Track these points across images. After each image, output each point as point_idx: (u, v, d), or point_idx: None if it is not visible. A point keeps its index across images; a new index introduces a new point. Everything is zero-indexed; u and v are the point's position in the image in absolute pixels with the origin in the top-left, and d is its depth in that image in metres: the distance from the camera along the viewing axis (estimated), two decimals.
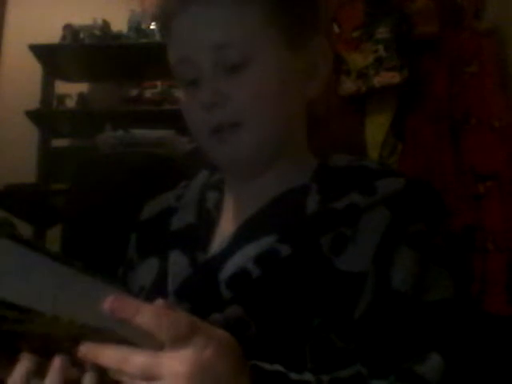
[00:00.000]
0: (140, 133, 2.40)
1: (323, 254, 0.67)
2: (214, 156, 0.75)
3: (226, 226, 0.76)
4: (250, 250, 0.69)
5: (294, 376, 0.58)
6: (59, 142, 3.05)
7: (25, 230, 2.69)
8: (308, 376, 0.59)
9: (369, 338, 0.64)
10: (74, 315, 0.49)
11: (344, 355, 0.64)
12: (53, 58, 2.88)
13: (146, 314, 0.50)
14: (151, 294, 0.76)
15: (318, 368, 0.62)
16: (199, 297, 0.70)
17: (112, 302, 0.49)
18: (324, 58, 0.76)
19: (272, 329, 0.65)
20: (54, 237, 2.73)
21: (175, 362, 0.50)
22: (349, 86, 2.13)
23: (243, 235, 0.72)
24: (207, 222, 0.78)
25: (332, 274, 0.66)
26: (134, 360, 0.50)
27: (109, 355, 0.51)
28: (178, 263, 0.75)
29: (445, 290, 0.66)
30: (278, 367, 0.58)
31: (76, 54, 2.89)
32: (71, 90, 2.99)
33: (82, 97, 2.96)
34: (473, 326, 0.67)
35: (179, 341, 0.50)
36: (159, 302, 0.53)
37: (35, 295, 0.47)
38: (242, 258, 0.69)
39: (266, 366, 0.57)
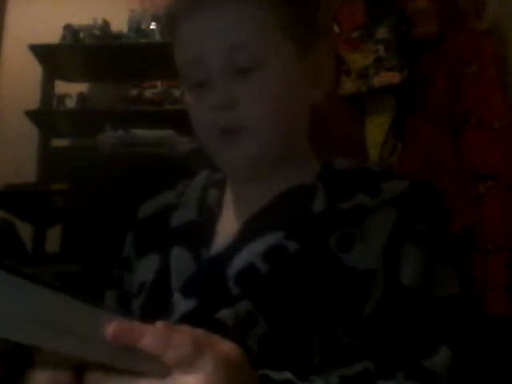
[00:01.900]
0: (140, 133, 2.40)
1: (331, 251, 0.68)
2: (218, 159, 0.76)
3: (228, 223, 0.77)
4: (258, 246, 0.70)
5: None
6: (59, 142, 3.04)
7: (25, 229, 2.69)
8: (317, 382, 0.59)
9: (379, 334, 0.65)
10: (70, 349, 0.45)
11: (350, 351, 0.64)
12: (53, 58, 2.88)
13: (149, 337, 0.47)
14: (153, 290, 0.76)
15: (325, 363, 0.63)
16: (207, 293, 0.70)
17: (114, 329, 0.46)
18: (328, 64, 0.78)
19: (281, 323, 0.65)
20: (54, 237, 2.73)
21: None
22: (349, 86, 2.13)
23: (249, 231, 0.72)
24: (209, 218, 0.78)
25: (340, 271, 0.67)
26: None
27: None
28: (181, 260, 0.75)
29: (452, 286, 0.68)
30: (287, 375, 0.57)
31: (76, 53, 2.89)
32: (71, 90, 2.99)
33: (81, 97, 2.95)
34: (474, 325, 0.68)
35: (186, 363, 0.47)
36: (158, 324, 0.50)
37: (26, 328, 0.43)
38: (250, 253, 0.70)
39: (276, 375, 0.56)
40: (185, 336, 0.48)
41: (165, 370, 0.47)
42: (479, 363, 0.66)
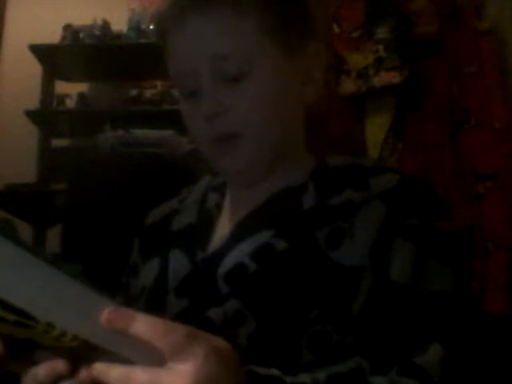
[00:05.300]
0: (140, 133, 2.40)
1: (320, 248, 0.68)
2: (215, 164, 0.77)
3: (224, 225, 0.78)
4: (247, 246, 0.71)
5: (289, 380, 0.58)
6: (59, 142, 3.05)
7: (25, 229, 2.69)
8: (303, 377, 0.59)
9: (369, 331, 0.65)
10: (68, 325, 0.49)
11: (340, 348, 0.64)
12: (53, 58, 2.88)
13: (143, 323, 0.50)
14: (152, 292, 0.77)
15: (314, 361, 0.63)
16: (198, 293, 0.71)
17: (109, 314, 0.49)
18: (319, 63, 0.78)
19: (270, 321, 0.65)
20: (54, 237, 2.73)
21: (177, 378, 0.49)
22: (349, 85, 2.13)
23: (240, 232, 0.73)
24: (207, 221, 0.79)
25: (329, 268, 0.67)
26: (137, 378, 0.50)
27: (111, 374, 0.50)
28: (178, 261, 0.76)
29: (443, 281, 0.67)
30: (273, 371, 0.58)
31: (76, 53, 2.89)
32: (71, 90, 2.99)
33: (81, 97, 2.96)
34: (472, 323, 0.67)
35: (179, 351, 0.50)
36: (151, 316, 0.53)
37: (31, 299, 0.47)
38: (239, 253, 0.70)
39: (262, 370, 0.57)
40: (177, 324, 0.51)
41: (159, 360, 0.50)
42: (479, 363, 0.66)
